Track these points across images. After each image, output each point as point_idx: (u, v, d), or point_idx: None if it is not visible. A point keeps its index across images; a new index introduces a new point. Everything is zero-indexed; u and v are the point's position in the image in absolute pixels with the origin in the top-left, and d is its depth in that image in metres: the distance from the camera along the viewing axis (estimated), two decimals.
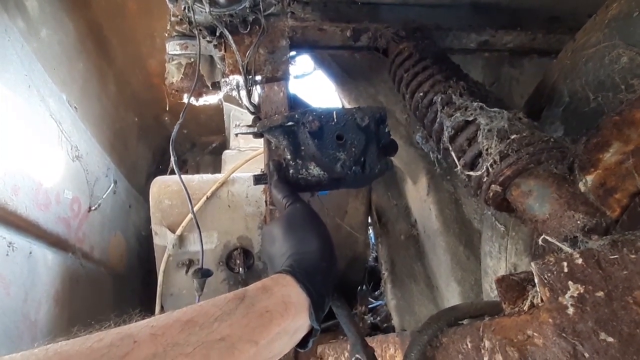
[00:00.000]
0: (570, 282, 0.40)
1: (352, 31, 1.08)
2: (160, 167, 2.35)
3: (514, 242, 0.87)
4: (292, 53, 1.24)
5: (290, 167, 0.66)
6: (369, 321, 1.31)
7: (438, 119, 0.75)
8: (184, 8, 0.92)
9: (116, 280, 1.52)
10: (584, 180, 0.64)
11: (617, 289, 0.40)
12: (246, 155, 1.46)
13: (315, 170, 0.66)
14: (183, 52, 1.04)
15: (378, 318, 1.38)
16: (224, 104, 1.82)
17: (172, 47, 1.04)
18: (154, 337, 0.35)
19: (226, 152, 1.62)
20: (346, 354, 0.95)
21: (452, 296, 1.08)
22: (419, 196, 1.32)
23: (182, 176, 1.44)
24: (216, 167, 2.24)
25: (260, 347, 0.41)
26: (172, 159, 0.80)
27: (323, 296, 0.49)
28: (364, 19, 1.11)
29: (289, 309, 0.44)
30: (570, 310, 0.38)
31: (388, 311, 1.34)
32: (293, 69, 1.33)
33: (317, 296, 0.47)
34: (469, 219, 1.19)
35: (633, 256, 0.42)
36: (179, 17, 1.00)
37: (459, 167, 0.67)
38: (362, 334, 0.61)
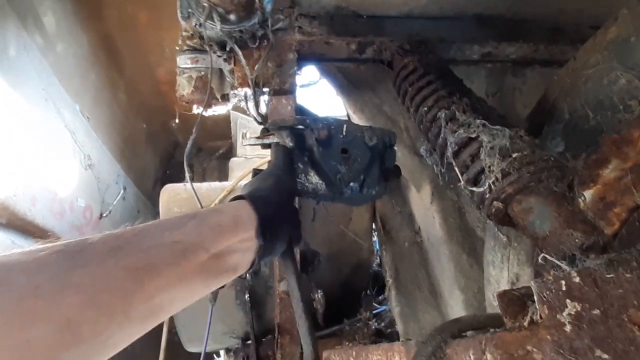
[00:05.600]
0: (568, 300, 0.43)
1: (357, 44, 1.10)
2: (168, 172, 2.39)
3: (516, 252, 0.89)
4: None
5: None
6: (373, 327, 1.34)
7: (442, 135, 0.77)
8: (195, 24, 0.96)
9: None
10: (582, 197, 0.66)
11: (613, 307, 0.42)
12: (253, 162, 1.49)
13: (314, 178, 0.67)
14: (194, 65, 1.07)
15: (382, 324, 1.40)
16: (231, 111, 1.85)
17: (183, 61, 1.07)
18: (107, 237, 0.37)
19: (233, 159, 1.65)
20: None
21: (455, 304, 1.10)
22: (422, 204, 1.34)
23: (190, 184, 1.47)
24: (222, 172, 2.28)
25: (211, 256, 0.43)
26: (186, 175, 0.83)
27: (273, 219, 0.51)
28: (369, 32, 1.14)
29: (238, 226, 0.47)
30: (568, 328, 0.41)
31: (392, 317, 1.36)
32: (299, 78, 1.36)
33: (267, 218, 0.49)
34: (472, 228, 1.21)
35: (628, 275, 0.44)
36: (190, 32, 1.03)
37: (462, 182, 0.70)
38: (315, 339, 0.63)
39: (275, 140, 0.69)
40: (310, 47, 1.10)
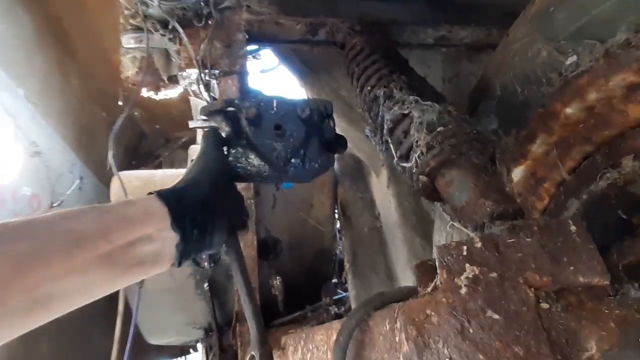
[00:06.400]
0: (467, 265, 0.43)
1: (309, 25, 1.08)
2: (133, 163, 2.32)
3: (459, 231, 0.90)
4: (254, 47, 1.24)
5: (229, 155, 0.65)
6: (333, 312, 1.34)
7: (380, 113, 0.77)
8: (135, 2, 0.92)
9: None
10: (509, 172, 0.67)
11: (511, 270, 0.43)
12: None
13: (255, 160, 0.64)
14: (138, 45, 1.03)
15: (342, 308, 1.41)
16: (192, 98, 1.81)
17: (127, 41, 1.03)
18: None
19: (192, 146, 1.61)
20: (302, 343, 0.97)
21: (408, 285, 1.11)
22: (381, 189, 1.34)
23: (145, 171, 1.43)
24: None
25: (117, 247, 0.41)
26: (109, 153, 0.80)
27: (192, 209, 0.49)
28: (321, 12, 1.12)
29: (149, 217, 0.45)
30: (463, 290, 0.41)
31: None
32: (258, 64, 1.32)
33: (182, 209, 0.48)
34: (427, 211, 1.22)
35: (529, 239, 0.44)
36: (132, 10, 0.99)
37: (395, 159, 0.70)
38: (261, 323, 0.62)
39: (210, 125, 0.67)
40: (260, 27, 1.08)
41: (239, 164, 0.64)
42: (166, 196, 0.47)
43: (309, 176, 0.69)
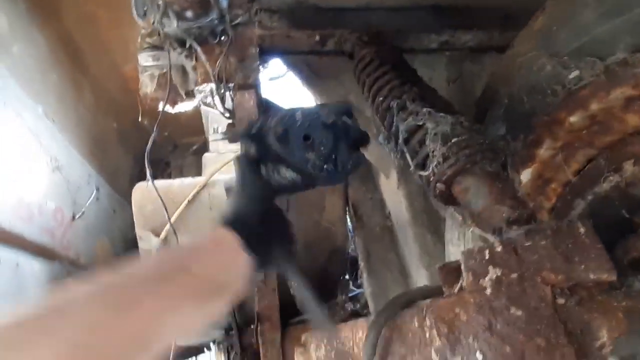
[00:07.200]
0: (490, 267, 0.48)
1: (318, 37, 1.13)
2: (143, 171, 2.37)
3: (474, 234, 0.95)
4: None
5: (262, 171, 0.65)
6: (349, 308, 1.40)
7: (395, 123, 0.82)
8: (153, 22, 0.96)
9: None
10: (518, 176, 0.72)
11: (529, 271, 0.48)
12: (226, 157, 1.51)
13: (288, 173, 0.64)
14: (155, 63, 1.07)
15: (358, 305, 1.47)
16: (202, 106, 1.85)
17: (144, 59, 1.07)
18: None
19: (206, 154, 1.65)
20: (325, 340, 1.03)
21: (422, 281, 1.16)
22: (391, 189, 1.39)
23: (162, 181, 1.48)
24: (199, 169, 2.27)
25: (199, 278, 0.43)
26: (147, 171, 0.84)
27: (255, 230, 0.51)
28: (329, 24, 1.16)
29: (219, 244, 0.48)
30: (488, 291, 0.46)
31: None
32: (266, 72, 1.37)
33: (244, 232, 0.49)
34: (436, 209, 1.27)
35: (543, 242, 0.50)
36: (149, 29, 1.03)
37: (412, 168, 0.75)
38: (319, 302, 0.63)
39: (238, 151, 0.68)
40: (272, 41, 1.12)
41: (272, 180, 0.64)
42: (229, 224, 0.50)
43: (342, 178, 0.69)
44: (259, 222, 0.54)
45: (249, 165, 0.62)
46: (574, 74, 0.60)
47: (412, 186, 1.30)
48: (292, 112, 0.67)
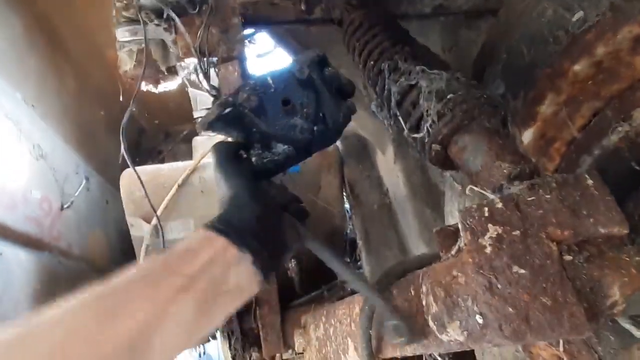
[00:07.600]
0: (490, 225, 0.44)
1: (304, 4, 1.07)
2: (137, 160, 2.32)
3: (470, 199, 0.91)
4: (250, 31, 1.22)
5: (252, 155, 0.58)
6: (348, 289, 1.37)
7: (386, 86, 0.77)
8: None
9: (100, 275, 1.53)
10: (520, 135, 0.67)
11: (533, 227, 0.44)
12: (216, 140, 1.45)
13: (278, 147, 0.58)
14: (133, 38, 1.01)
15: None
16: (190, 89, 1.79)
17: (122, 34, 1.01)
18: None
19: (196, 138, 1.61)
20: (323, 319, 1.00)
21: None
22: (388, 165, 1.35)
23: (152, 166, 1.43)
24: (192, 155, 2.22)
25: (189, 278, 0.41)
26: (122, 147, 0.80)
27: (240, 225, 0.47)
28: None
29: (210, 242, 0.44)
30: (488, 250, 0.42)
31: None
32: (254, 48, 1.30)
33: (233, 228, 0.46)
34: (435, 183, 1.23)
35: (548, 196, 0.45)
36: (124, 1, 0.97)
37: (405, 131, 0.70)
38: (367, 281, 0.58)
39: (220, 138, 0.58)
40: (256, 9, 1.06)
41: (265, 160, 0.57)
42: (217, 222, 0.47)
43: (335, 135, 0.62)
44: (255, 219, 0.48)
45: (227, 158, 0.54)
46: (578, 15, 0.55)
47: (409, 160, 1.26)
48: (262, 78, 0.58)
